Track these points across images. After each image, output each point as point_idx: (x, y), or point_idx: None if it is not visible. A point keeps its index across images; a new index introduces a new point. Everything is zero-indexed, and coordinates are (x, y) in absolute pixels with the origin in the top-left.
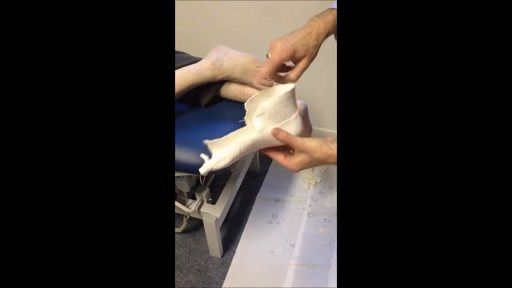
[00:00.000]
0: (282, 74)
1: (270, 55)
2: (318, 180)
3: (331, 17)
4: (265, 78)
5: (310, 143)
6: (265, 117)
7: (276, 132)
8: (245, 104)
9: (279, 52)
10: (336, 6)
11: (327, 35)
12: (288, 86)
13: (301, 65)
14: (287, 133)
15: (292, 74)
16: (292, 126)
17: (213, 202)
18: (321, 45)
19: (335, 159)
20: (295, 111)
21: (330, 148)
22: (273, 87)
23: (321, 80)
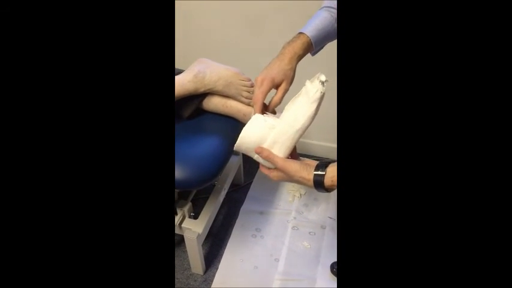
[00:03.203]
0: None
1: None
2: (303, 192)
3: (299, 41)
4: (249, 92)
5: (290, 166)
6: (249, 150)
7: (259, 151)
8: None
9: (260, 86)
10: (304, 30)
11: (299, 57)
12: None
13: (281, 88)
14: (269, 152)
15: (275, 98)
16: (278, 143)
17: (195, 217)
18: (295, 67)
19: (311, 184)
20: (271, 126)
21: (308, 174)
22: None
23: None
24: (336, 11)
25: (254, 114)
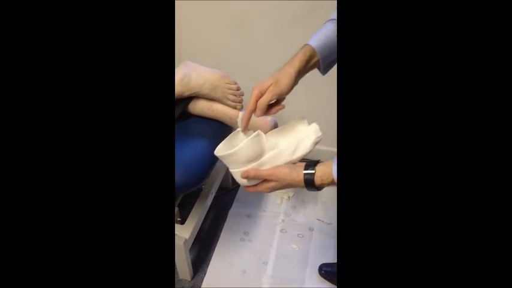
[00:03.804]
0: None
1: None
2: (291, 195)
3: (301, 51)
4: (235, 95)
5: (279, 171)
6: (236, 163)
7: (245, 175)
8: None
9: (252, 93)
10: (308, 42)
11: (301, 64)
12: (253, 133)
13: (268, 91)
14: (254, 170)
15: (261, 99)
16: (269, 164)
17: (182, 222)
18: (295, 75)
19: (302, 184)
20: (271, 148)
21: (298, 174)
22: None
23: (317, 97)
24: None
25: (243, 118)
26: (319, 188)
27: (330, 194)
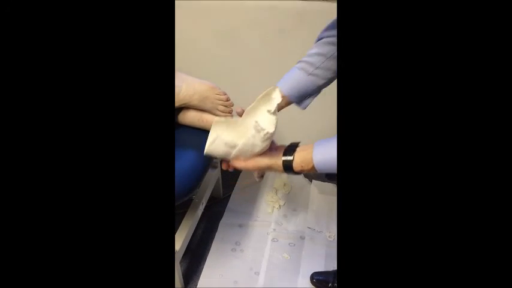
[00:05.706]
0: None
1: None
2: (282, 203)
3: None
4: (225, 106)
5: (258, 163)
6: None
7: (225, 168)
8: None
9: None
10: (280, 85)
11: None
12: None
13: None
14: (238, 163)
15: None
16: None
17: None
18: None
19: (281, 169)
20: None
21: (276, 162)
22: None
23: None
24: (307, 65)
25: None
26: (299, 173)
27: (320, 203)
